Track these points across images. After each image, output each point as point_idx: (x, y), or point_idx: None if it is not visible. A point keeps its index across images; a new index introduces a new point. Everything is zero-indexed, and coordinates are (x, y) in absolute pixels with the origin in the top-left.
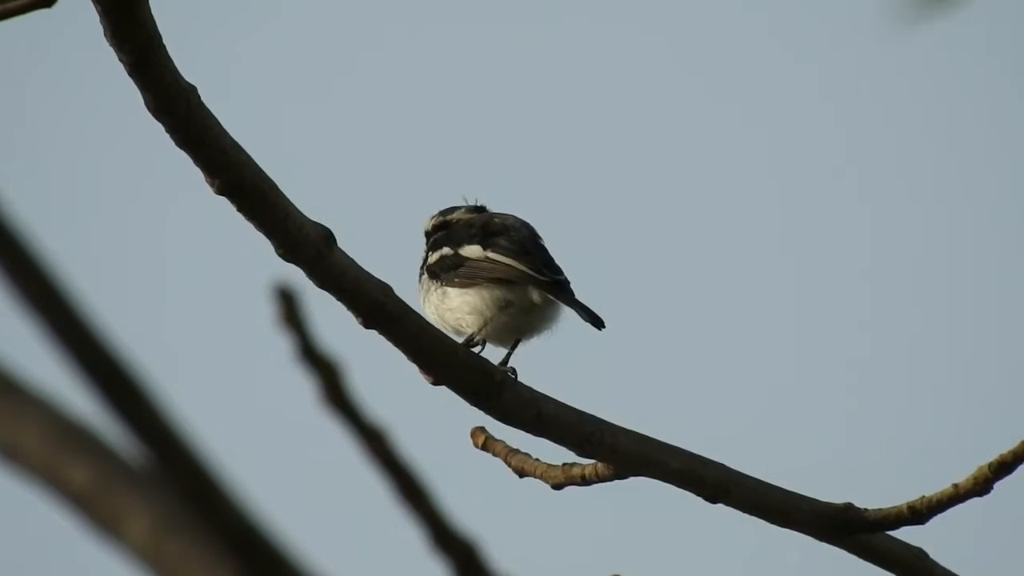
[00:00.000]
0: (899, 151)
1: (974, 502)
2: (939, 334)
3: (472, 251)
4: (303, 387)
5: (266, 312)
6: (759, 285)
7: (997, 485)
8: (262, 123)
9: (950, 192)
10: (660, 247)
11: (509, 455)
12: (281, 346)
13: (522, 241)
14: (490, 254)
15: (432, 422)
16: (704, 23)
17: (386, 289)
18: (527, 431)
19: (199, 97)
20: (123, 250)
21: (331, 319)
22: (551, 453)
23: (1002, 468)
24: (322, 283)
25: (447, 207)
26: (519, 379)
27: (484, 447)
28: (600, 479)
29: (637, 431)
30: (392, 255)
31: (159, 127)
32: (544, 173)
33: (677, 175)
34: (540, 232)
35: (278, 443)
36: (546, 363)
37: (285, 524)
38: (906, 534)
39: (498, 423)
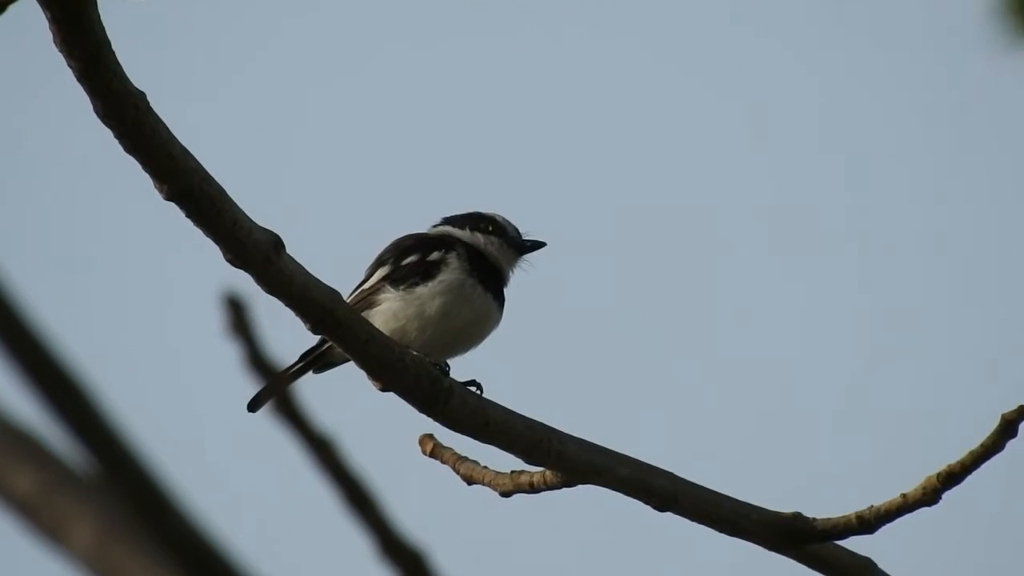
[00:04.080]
0: (887, 153)
1: (922, 512)
2: (888, 342)
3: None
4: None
5: (215, 320)
6: (712, 294)
7: (945, 495)
8: (212, 129)
9: (932, 200)
10: (625, 252)
11: (457, 462)
12: (230, 354)
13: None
14: None
15: (381, 429)
16: (688, 28)
17: (335, 295)
18: (475, 438)
19: (148, 103)
20: (71, 255)
21: (281, 324)
22: (499, 461)
23: (950, 478)
24: (271, 289)
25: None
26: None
27: (432, 454)
28: (548, 487)
29: (585, 439)
30: (342, 261)
31: (109, 132)
32: (511, 179)
33: (645, 184)
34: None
35: (225, 451)
36: (494, 370)
37: (231, 532)
38: (854, 544)
39: (446, 430)
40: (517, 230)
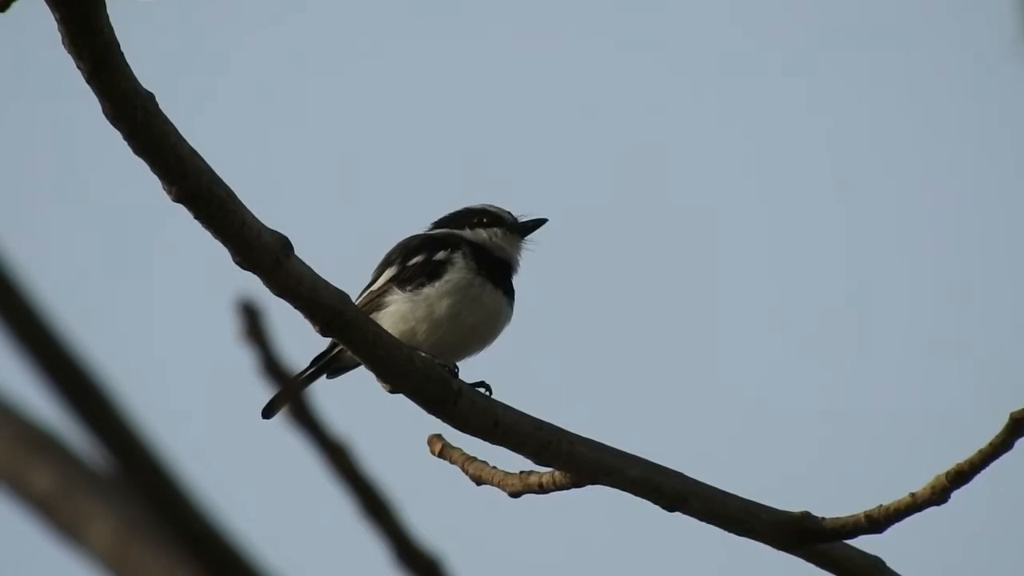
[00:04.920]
0: (879, 154)
1: (932, 511)
2: (898, 340)
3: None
4: (266, 400)
5: (230, 325)
6: (721, 293)
7: (954, 494)
8: (220, 130)
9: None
10: (628, 252)
11: (467, 463)
12: (244, 359)
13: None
14: None
15: (389, 430)
16: (685, 25)
17: (344, 297)
18: (484, 439)
19: (156, 104)
20: (84, 257)
21: (293, 329)
22: (508, 461)
23: (959, 477)
24: (280, 291)
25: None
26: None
27: (441, 454)
28: (558, 487)
29: (594, 439)
30: (350, 263)
31: (118, 133)
32: (518, 177)
33: (644, 183)
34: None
35: (240, 454)
36: (503, 372)
37: (247, 532)
38: (864, 543)
39: (456, 431)
40: (511, 214)
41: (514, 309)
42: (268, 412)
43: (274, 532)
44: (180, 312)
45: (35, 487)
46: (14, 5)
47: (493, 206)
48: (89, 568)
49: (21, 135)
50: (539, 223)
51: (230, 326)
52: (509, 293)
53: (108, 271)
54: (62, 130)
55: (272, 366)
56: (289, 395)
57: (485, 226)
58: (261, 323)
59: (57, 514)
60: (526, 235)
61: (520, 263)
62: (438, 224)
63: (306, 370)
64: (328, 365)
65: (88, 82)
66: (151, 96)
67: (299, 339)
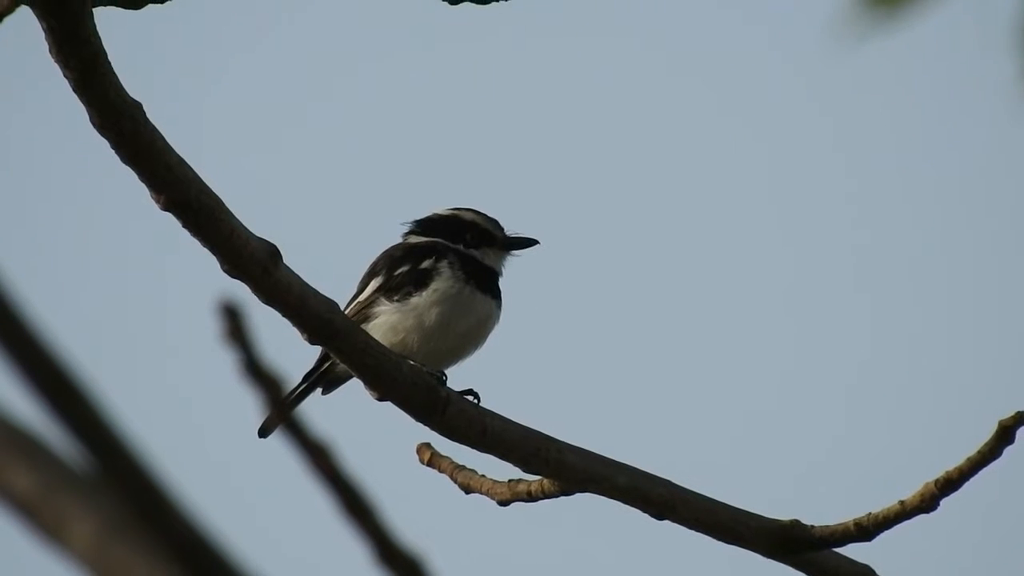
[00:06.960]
0: (891, 155)
1: (921, 519)
2: (886, 348)
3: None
4: (248, 403)
5: (212, 327)
6: (710, 300)
7: (944, 502)
8: (208, 139)
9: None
10: (621, 259)
11: (455, 471)
12: (226, 361)
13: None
14: None
15: (378, 438)
16: (689, 29)
17: (332, 305)
18: (473, 447)
19: (144, 114)
20: (70, 263)
21: (278, 334)
22: (497, 469)
23: (948, 485)
24: (268, 299)
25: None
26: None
27: (430, 463)
28: (546, 495)
29: (583, 447)
30: (339, 271)
31: (105, 143)
32: (511, 184)
33: (642, 187)
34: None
35: (223, 457)
36: (491, 380)
37: (230, 532)
38: (853, 551)
39: (444, 439)
40: (498, 224)
41: (502, 310)
42: (264, 432)
43: (258, 532)
44: (169, 316)
45: (16, 487)
46: (6, 20)
47: (481, 217)
48: (70, 569)
49: (8, 141)
50: (529, 243)
51: (213, 329)
52: (496, 296)
53: (98, 277)
54: (50, 138)
55: (254, 367)
56: (271, 397)
57: (476, 246)
58: (243, 324)
59: (38, 514)
60: (510, 250)
61: (503, 270)
62: (422, 224)
63: (298, 387)
64: (320, 379)
65: (75, 91)
66: (139, 106)
67: (287, 344)
